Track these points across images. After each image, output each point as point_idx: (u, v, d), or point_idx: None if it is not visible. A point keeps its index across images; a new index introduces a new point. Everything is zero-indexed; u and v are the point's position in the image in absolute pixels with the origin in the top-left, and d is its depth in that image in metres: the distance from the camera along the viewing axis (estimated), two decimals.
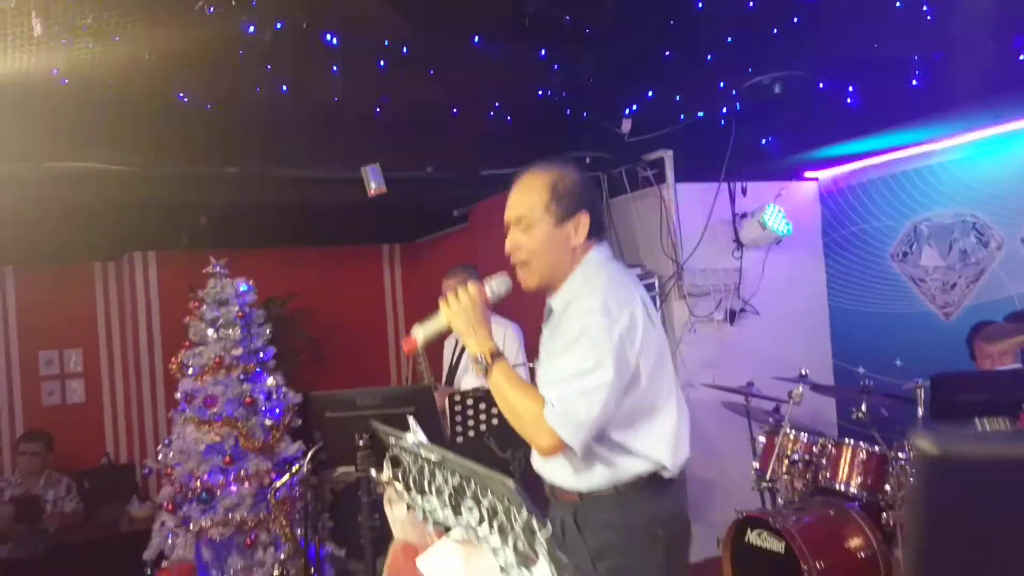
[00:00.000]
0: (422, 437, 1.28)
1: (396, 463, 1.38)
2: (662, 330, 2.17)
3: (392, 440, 1.33)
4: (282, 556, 4.70)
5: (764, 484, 4.25)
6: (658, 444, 2.03)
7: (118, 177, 4.33)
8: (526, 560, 0.93)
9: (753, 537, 3.95)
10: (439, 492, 1.19)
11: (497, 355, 2.04)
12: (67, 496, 5.81)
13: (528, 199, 2.13)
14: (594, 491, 2.04)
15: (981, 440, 0.40)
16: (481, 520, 1.05)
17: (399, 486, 1.33)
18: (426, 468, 1.25)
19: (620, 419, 2.00)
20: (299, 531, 4.69)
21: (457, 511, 1.11)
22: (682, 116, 4.65)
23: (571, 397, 1.92)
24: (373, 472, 1.41)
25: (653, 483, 2.05)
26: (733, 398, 4.67)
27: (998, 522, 0.39)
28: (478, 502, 1.06)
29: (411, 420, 1.38)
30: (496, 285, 2.17)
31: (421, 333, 2.13)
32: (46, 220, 5.05)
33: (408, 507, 1.32)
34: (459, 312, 2.09)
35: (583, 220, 2.11)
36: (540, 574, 0.90)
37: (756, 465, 4.31)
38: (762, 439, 4.38)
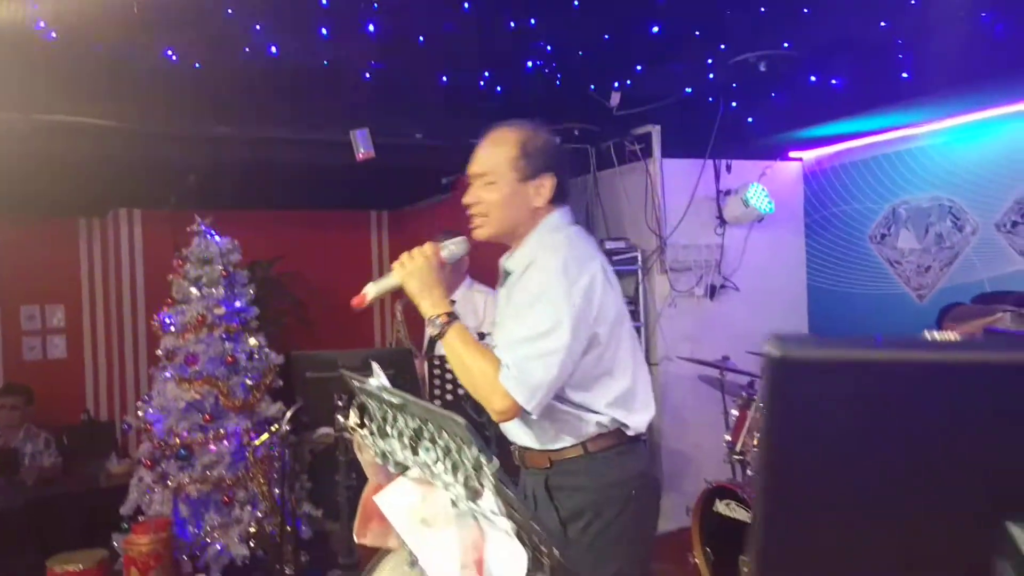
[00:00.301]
0: (384, 381, 1.34)
1: (363, 410, 1.44)
2: (620, 292, 2.16)
3: (356, 384, 1.39)
4: (259, 514, 4.78)
5: (735, 456, 4.34)
6: (619, 404, 2.06)
7: (106, 132, 4.35)
8: (474, 493, 0.99)
9: (722, 507, 4.06)
10: (400, 435, 1.26)
11: (452, 317, 2.02)
12: (46, 450, 5.87)
13: (495, 153, 2.11)
14: (563, 455, 2.07)
15: (823, 344, 0.46)
16: (437, 460, 1.12)
17: (366, 432, 1.40)
18: (389, 413, 1.31)
19: (579, 380, 2.01)
20: (277, 491, 4.77)
21: (415, 452, 1.18)
22: (670, 92, 4.70)
23: (527, 360, 1.91)
24: (341, 418, 1.47)
25: (620, 443, 2.08)
26: (709, 372, 4.77)
27: (837, 421, 0.46)
28: (434, 443, 1.13)
29: (374, 365, 1.44)
30: (453, 246, 2.13)
31: (373, 290, 2.09)
32: (31, 173, 5.06)
33: (373, 452, 1.38)
34: (413, 272, 2.04)
35: (547, 182, 2.10)
36: (486, 504, 0.96)
37: (728, 437, 4.41)
38: (735, 412, 4.47)
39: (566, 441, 2.06)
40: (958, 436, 0.45)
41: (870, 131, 4.72)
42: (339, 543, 4.78)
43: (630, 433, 2.09)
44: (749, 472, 4.30)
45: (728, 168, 5.15)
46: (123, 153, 4.72)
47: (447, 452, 1.08)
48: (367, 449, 1.40)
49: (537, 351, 1.91)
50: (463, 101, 4.72)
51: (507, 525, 0.95)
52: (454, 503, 1.03)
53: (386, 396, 1.24)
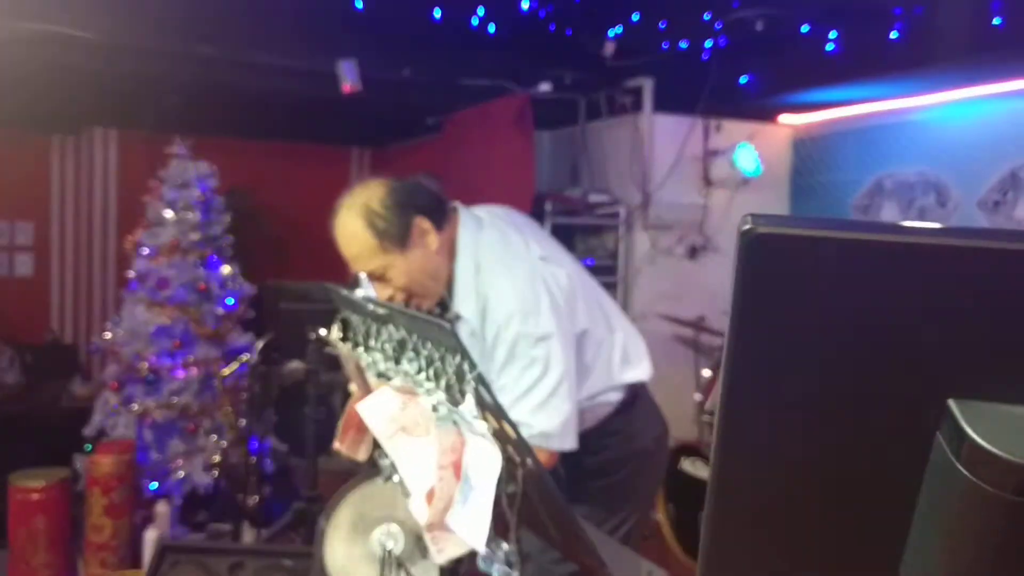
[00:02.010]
0: (372, 292, 1.41)
1: (346, 324, 1.50)
2: (567, 256, 2.14)
3: (342, 296, 1.45)
4: (224, 444, 4.85)
5: (704, 417, 4.47)
6: (623, 365, 2.08)
7: (83, 44, 4.31)
8: (455, 399, 1.06)
9: (687, 464, 4.19)
10: (383, 346, 1.33)
11: None
12: (9, 367, 5.90)
13: (359, 254, 1.96)
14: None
15: (797, 222, 0.52)
16: (420, 370, 1.19)
17: (349, 345, 1.47)
18: (372, 326, 1.38)
19: (582, 371, 1.98)
20: (243, 421, 4.84)
21: (398, 362, 1.25)
22: (665, 45, 4.73)
23: (536, 411, 1.85)
24: (324, 331, 1.53)
25: (633, 400, 2.12)
26: (684, 332, 4.87)
27: (805, 299, 0.52)
28: (418, 353, 1.20)
29: (362, 275, 1.50)
30: None
31: None
32: (3, 83, 5.00)
33: (356, 363, 1.45)
34: None
35: (423, 225, 1.98)
36: (467, 410, 1.03)
37: (699, 397, 4.53)
38: (707, 373, 4.58)
39: (590, 422, 2.07)
40: (921, 319, 0.52)
41: (862, 100, 4.79)
42: (303, 476, 4.88)
43: (640, 382, 2.13)
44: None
45: (717, 128, 5.20)
46: (101, 67, 4.68)
47: (430, 362, 1.14)
48: (350, 361, 1.47)
49: (541, 398, 1.86)
50: (454, 39, 4.72)
51: (484, 428, 1.02)
52: (435, 408, 1.10)
53: (371, 307, 1.31)
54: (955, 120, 4.54)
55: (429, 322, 1.12)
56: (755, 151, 5.08)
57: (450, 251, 2.01)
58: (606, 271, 5.03)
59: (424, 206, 1.99)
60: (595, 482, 2.10)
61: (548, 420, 1.84)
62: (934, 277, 0.51)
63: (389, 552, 1.83)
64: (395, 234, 1.94)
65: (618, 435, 2.11)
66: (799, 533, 0.63)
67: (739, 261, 0.51)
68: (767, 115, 5.31)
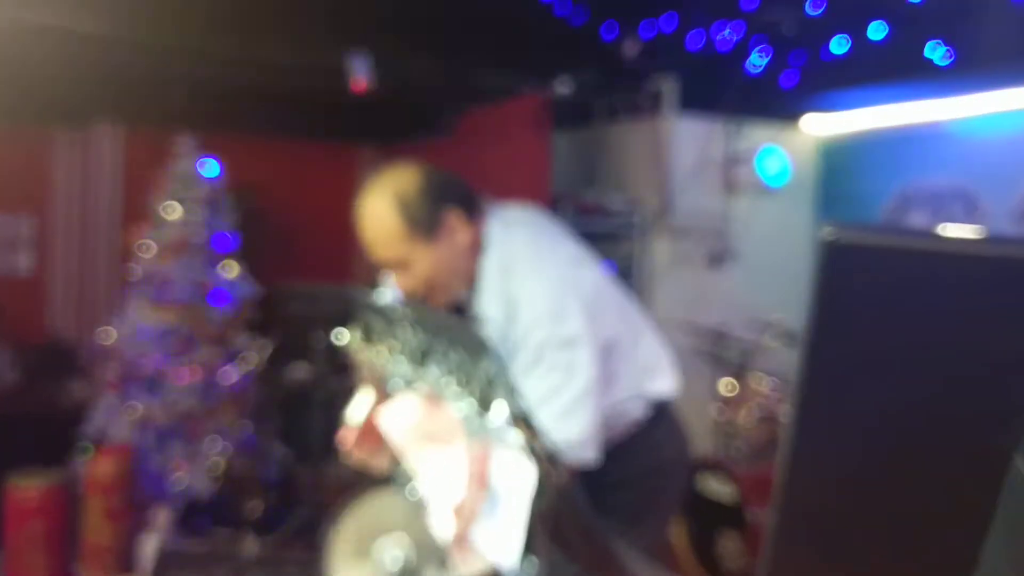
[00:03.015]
0: (398, 295, 1.39)
1: (366, 329, 1.49)
2: (595, 262, 2.09)
3: (369, 297, 1.43)
4: (227, 450, 4.84)
5: (723, 430, 4.44)
6: (652, 379, 2.05)
7: (88, 38, 4.31)
8: (484, 406, 1.04)
9: (703, 481, 4.15)
10: (407, 352, 1.31)
11: None
12: (7, 367, 5.89)
13: (384, 239, 1.91)
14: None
15: (878, 231, 0.50)
16: (445, 375, 1.17)
17: (369, 349, 1.45)
18: (395, 330, 1.36)
19: (607, 380, 1.94)
20: (246, 426, 4.83)
21: (422, 367, 1.23)
22: (688, 45, 4.71)
23: (559, 418, 1.80)
24: (342, 334, 1.52)
25: (656, 416, 2.08)
26: (702, 343, 4.83)
27: (885, 310, 0.50)
28: (445, 358, 1.18)
29: (389, 280, 1.48)
30: None
31: None
32: (8, 78, 5.01)
33: (377, 368, 1.43)
34: None
35: (454, 219, 1.94)
36: (497, 418, 1.01)
37: (717, 410, 4.49)
38: (727, 384, 4.55)
39: (612, 433, 2.02)
40: (1005, 333, 0.50)
41: (892, 107, 4.76)
42: (306, 484, 4.87)
43: (663, 398, 2.09)
44: (736, 447, 4.39)
45: (740, 132, 5.17)
46: (108, 62, 4.69)
47: (458, 367, 1.13)
48: (369, 366, 1.45)
49: (565, 405, 1.82)
50: (472, 35, 4.71)
51: (517, 438, 1.01)
52: (463, 416, 1.08)
53: (398, 312, 1.29)
54: (988, 129, 4.51)
55: (459, 326, 1.10)
56: (778, 158, 5.05)
57: (477, 248, 1.96)
58: (623, 278, 5.00)
59: (458, 199, 1.96)
60: (612, 496, 2.05)
61: (571, 429, 1.81)
62: (1020, 291, 0.50)
63: (404, 564, 1.81)
64: (425, 223, 1.90)
65: (640, 449, 2.07)
66: (863, 550, 0.61)
67: (819, 271, 0.50)
68: (792, 120, 5.28)
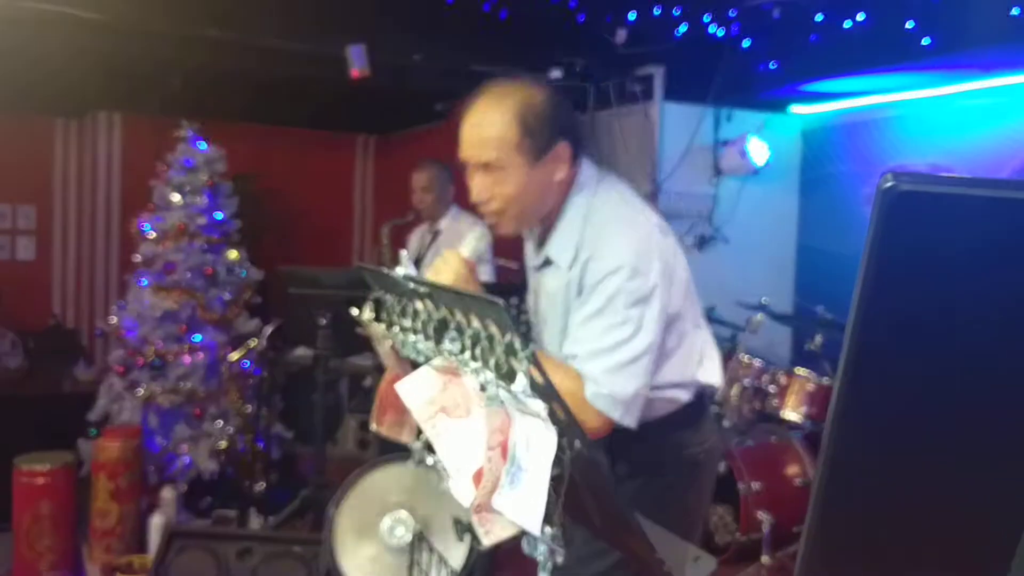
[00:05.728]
0: (412, 270, 1.37)
1: (379, 305, 1.47)
2: (674, 239, 1.99)
3: (379, 272, 1.41)
4: (230, 430, 4.82)
5: (712, 407, 4.44)
6: (697, 362, 1.97)
7: (88, 26, 4.26)
8: (507, 378, 1.03)
9: None
10: (422, 326, 1.30)
11: None
12: (11, 351, 5.86)
13: (493, 139, 1.82)
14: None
15: (937, 180, 0.49)
16: (463, 349, 1.15)
17: (383, 325, 1.43)
18: (409, 305, 1.35)
19: (662, 356, 1.86)
20: (249, 408, 4.81)
21: (439, 342, 1.22)
22: (677, 33, 4.69)
23: (613, 372, 1.75)
24: (355, 311, 1.50)
25: (693, 404, 1.98)
26: None
27: (944, 256, 0.49)
28: (461, 332, 1.16)
29: (403, 254, 1.47)
30: (475, 242, 1.93)
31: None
32: (8, 67, 4.95)
33: (391, 344, 1.42)
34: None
35: (563, 151, 1.86)
36: (519, 387, 1.00)
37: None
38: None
39: (650, 414, 1.91)
40: None
41: (874, 92, 4.76)
42: (309, 463, 4.86)
43: (708, 389, 2.02)
44: (726, 423, 4.39)
45: (728, 117, 5.17)
46: (108, 50, 4.63)
47: (476, 340, 1.11)
48: (384, 341, 1.44)
49: (621, 361, 1.76)
50: (466, 23, 4.68)
51: (540, 407, 0.99)
52: (483, 387, 1.07)
53: (412, 285, 1.28)
54: (969, 112, 4.51)
55: (478, 298, 1.08)
56: (764, 142, 5.05)
57: (566, 188, 1.89)
58: None
59: (573, 133, 1.89)
60: (633, 482, 1.95)
61: (622, 385, 1.74)
62: None
63: (418, 534, 1.81)
64: (538, 143, 1.82)
65: (673, 438, 1.97)
66: (909, 519, 0.60)
67: (878, 219, 0.49)
68: (779, 105, 5.28)
